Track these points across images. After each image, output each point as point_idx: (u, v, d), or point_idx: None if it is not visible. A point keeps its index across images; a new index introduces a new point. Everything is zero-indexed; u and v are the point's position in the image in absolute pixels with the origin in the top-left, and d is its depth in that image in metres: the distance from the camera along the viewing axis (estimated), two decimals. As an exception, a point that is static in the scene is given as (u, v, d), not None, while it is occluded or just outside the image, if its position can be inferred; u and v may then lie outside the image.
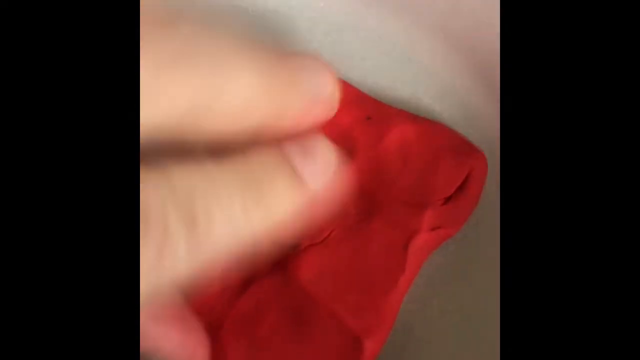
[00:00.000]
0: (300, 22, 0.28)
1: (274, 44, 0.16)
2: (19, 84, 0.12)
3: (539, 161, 0.15)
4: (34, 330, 0.12)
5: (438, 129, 0.24)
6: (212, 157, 0.13)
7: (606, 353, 0.14)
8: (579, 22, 0.15)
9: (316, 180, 0.14)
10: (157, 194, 0.11)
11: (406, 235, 0.22)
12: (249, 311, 0.21)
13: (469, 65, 0.25)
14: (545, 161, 0.15)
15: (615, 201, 0.14)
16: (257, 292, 0.22)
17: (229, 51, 0.12)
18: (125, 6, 0.12)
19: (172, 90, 0.12)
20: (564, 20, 0.15)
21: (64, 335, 0.12)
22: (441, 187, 0.22)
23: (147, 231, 0.11)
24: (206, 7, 0.25)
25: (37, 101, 0.12)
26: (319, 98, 0.15)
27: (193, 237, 0.12)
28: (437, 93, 0.26)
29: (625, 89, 0.14)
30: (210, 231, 0.12)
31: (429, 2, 0.26)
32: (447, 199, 0.23)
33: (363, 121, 0.24)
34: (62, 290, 0.12)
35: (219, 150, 0.13)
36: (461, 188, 0.23)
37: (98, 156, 0.12)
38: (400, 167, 0.23)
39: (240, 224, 0.13)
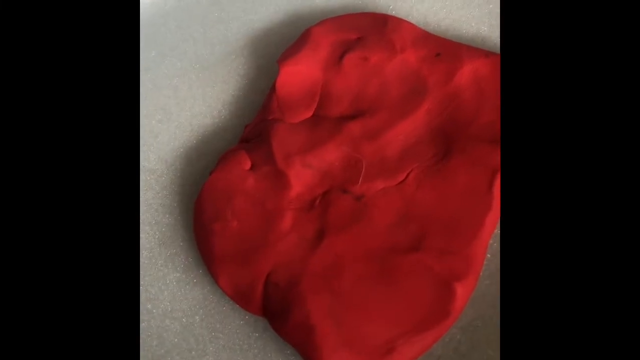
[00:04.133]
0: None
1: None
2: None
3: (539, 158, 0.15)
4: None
5: (512, 63, 0.22)
6: None
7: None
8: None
9: None
10: None
11: (490, 173, 0.20)
12: (326, 265, 0.20)
13: None
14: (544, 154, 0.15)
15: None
16: (332, 245, 0.20)
17: None
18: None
19: None
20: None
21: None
22: (523, 121, 0.21)
23: None
24: None
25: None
26: None
27: None
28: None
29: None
30: None
31: None
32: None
33: (432, 59, 0.22)
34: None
35: None
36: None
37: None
38: (477, 104, 0.22)
39: None
